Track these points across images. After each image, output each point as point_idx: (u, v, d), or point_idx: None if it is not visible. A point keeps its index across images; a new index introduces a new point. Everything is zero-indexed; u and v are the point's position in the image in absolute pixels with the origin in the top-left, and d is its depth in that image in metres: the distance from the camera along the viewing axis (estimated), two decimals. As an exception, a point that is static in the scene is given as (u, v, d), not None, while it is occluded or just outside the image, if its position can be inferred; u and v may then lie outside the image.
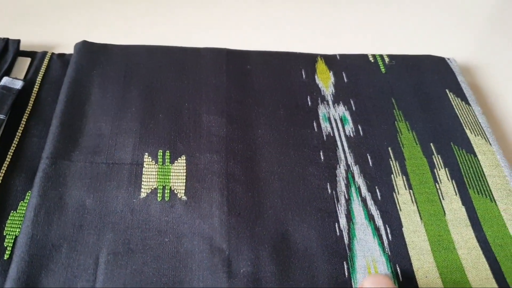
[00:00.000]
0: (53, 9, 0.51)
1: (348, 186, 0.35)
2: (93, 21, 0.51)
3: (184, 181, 0.34)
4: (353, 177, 0.36)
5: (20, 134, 0.37)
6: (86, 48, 0.42)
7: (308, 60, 0.44)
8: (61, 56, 0.44)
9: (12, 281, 0.28)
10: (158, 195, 0.33)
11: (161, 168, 0.35)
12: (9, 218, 0.33)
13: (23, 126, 0.38)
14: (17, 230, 0.32)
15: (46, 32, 0.48)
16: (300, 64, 0.43)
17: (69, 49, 0.45)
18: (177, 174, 0.34)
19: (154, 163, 0.35)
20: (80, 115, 0.37)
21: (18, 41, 0.44)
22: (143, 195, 0.33)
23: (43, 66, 0.43)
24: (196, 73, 0.42)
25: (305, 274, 0.31)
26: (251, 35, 0.50)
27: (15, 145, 0.37)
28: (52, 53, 0.44)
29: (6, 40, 0.44)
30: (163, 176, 0.34)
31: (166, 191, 0.34)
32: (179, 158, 0.35)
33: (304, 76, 0.42)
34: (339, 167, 0.36)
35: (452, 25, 0.53)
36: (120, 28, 0.50)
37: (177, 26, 0.50)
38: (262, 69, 0.43)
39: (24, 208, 0.33)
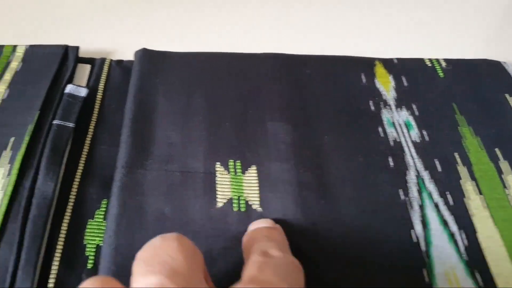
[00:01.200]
0: (104, 15, 0.51)
1: (420, 192, 0.35)
2: (144, 26, 0.51)
3: (258, 191, 0.34)
4: (423, 183, 0.36)
5: (89, 142, 0.38)
6: (147, 56, 0.43)
7: (366, 64, 0.44)
8: (120, 63, 0.44)
9: None
10: (234, 205, 0.34)
11: (234, 178, 0.35)
12: (87, 227, 0.33)
13: (91, 134, 0.38)
14: (97, 239, 0.33)
15: (98, 38, 0.49)
16: (358, 68, 0.44)
17: (124, 56, 0.45)
18: (250, 185, 0.35)
19: (226, 172, 0.35)
20: (149, 124, 0.38)
21: (77, 48, 0.44)
22: (219, 204, 0.33)
23: (103, 73, 0.43)
24: (256, 79, 0.42)
25: (385, 283, 0.31)
26: (298, 39, 0.49)
27: (85, 154, 0.37)
28: (111, 60, 0.44)
29: (66, 47, 0.44)
30: (237, 186, 0.34)
31: (241, 202, 0.34)
32: (250, 168, 0.35)
33: (364, 80, 0.42)
34: (409, 173, 0.36)
35: (500, 28, 0.53)
36: (170, 34, 0.50)
37: (229, 32, 0.50)
38: (321, 73, 0.43)
39: (101, 216, 0.34)
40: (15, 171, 0.35)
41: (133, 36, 0.49)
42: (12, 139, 0.37)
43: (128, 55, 0.46)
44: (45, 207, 0.33)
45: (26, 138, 0.36)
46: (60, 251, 0.32)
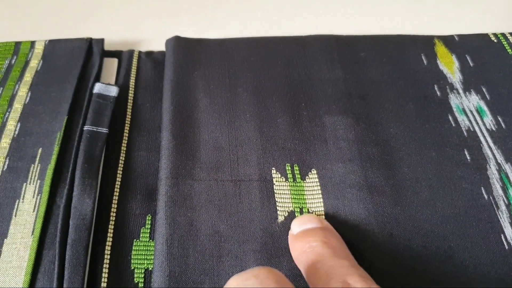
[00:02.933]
0: (126, 2, 0.45)
1: (505, 189, 0.30)
2: (171, 12, 0.46)
3: (321, 200, 0.30)
4: (507, 177, 0.31)
5: (125, 149, 0.33)
6: (181, 45, 0.38)
7: (426, 43, 0.39)
8: (149, 54, 0.39)
9: None
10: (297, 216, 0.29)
11: (293, 185, 0.30)
12: (133, 248, 0.29)
13: (126, 139, 0.34)
14: (145, 262, 0.28)
15: (121, 28, 0.44)
16: (418, 48, 0.38)
17: (153, 46, 0.41)
18: (312, 193, 0.30)
19: (284, 179, 0.31)
20: (192, 125, 0.33)
21: (102, 40, 0.39)
22: (280, 218, 0.29)
23: (133, 67, 0.38)
24: (305, 66, 0.37)
25: None
26: (342, 17, 0.44)
27: (122, 162, 0.32)
28: (140, 52, 0.39)
29: (90, 40, 0.39)
30: (297, 195, 0.30)
31: (305, 212, 0.29)
32: (310, 173, 0.31)
33: (425, 61, 0.37)
34: (490, 167, 0.32)
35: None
36: (198, 18, 0.45)
37: (261, 14, 0.45)
38: (378, 56, 0.38)
39: (147, 235, 0.29)
40: (46, 188, 0.30)
41: (160, 24, 0.44)
42: (39, 150, 0.32)
43: (157, 45, 0.41)
44: (84, 229, 0.28)
45: (56, 148, 0.32)
46: (105, 279, 0.27)
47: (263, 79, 0.36)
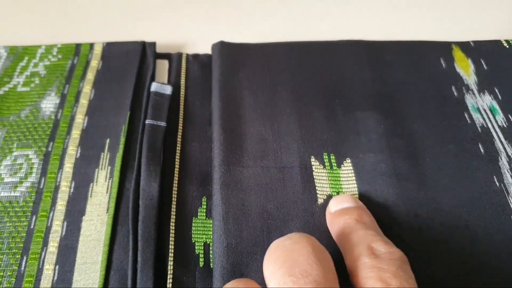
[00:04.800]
0: (171, 8, 0.52)
1: None
2: (211, 18, 0.51)
3: (355, 185, 0.35)
4: (517, 168, 0.36)
5: (180, 140, 0.38)
6: (225, 49, 0.43)
7: (444, 48, 0.44)
8: (196, 57, 0.44)
9: None
10: None
11: (330, 172, 0.35)
12: (193, 225, 0.34)
13: (181, 132, 0.39)
14: (204, 236, 0.33)
15: (167, 32, 0.49)
16: (437, 53, 0.43)
17: (197, 49, 0.45)
18: (347, 179, 0.35)
19: (322, 167, 0.36)
20: (238, 120, 0.38)
21: (154, 44, 0.44)
22: (320, 201, 0.34)
23: (182, 68, 0.43)
24: (338, 67, 0.42)
25: (492, 273, 0.32)
26: (369, 24, 0.50)
27: (179, 152, 0.37)
28: (187, 54, 0.44)
29: (143, 43, 0.44)
30: (334, 181, 0.35)
31: None
32: (345, 162, 0.36)
33: (444, 65, 0.42)
34: (501, 159, 0.37)
35: None
36: (238, 24, 0.51)
37: (300, 19, 0.51)
38: (402, 59, 0.43)
39: (203, 214, 0.34)
40: (117, 173, 0.35)
41: (202, 28, 0.49)
42: (107, 141, 0.37)
43: (200, 48, 0.46)
44: (152, 208, 0.33)
45: (122, 140, 0.37)
46: (172, 251, 0.32)
47: (299, 79, 0.41)
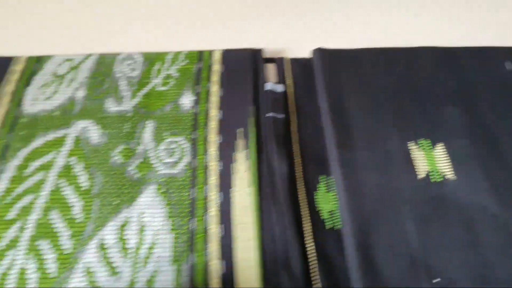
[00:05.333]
0: (265, 17, 0.62)
1: None
2: (301, 24, 0.61)
3: (449, 163, 0.44)
4: None
5: (296, 130, 0.48)
6: (324, 55, 0.52)
7: (510, 52, 0.53)
8: (296, 60, 0.54)
9: (352, 245, 0.40)
10: (431, 177, 0.44)
11: (427, 154, 0.45)
12: (315, 197, 0.43)
13: (295, 122, 0.48)
14: (326, 206, 0.43)
15: (262, 38, 0.59)
16: (503, 56, 0.53)
17: (294, 53, 0.55)
18: (441, 159, 0.44)
19: (419, 150, 0.45)
20: (344, 113, 0.48)
21: (261, 50, 0.54)
22: (420, 176, 0.43)
23: (286, 70, 0.53)
24: (421, 70, 0.51)
25: None
26: (439, 30, 0.59)
27: (297, 138, 0.47)
28: (289, 58, 0.54)
29: (253, 50, 0.54)
30: (430, 161, 0.44)
31: (437, 174, 0.44)
32: (437, 145, 0.45)
33: (508, 66, 0.52)
34: None
35: None
36: (323, 30, 0.60)
37: (380, 25, 0.60)
38: (473, 64, 0.52)
39: (323, 188, 0.44)
40: (252, 155, 0.45)
41: (296, 35, 0.60)
42: (239, 130, 0.47)
43: (296, 53, 0.56)
44: (285, 182, 0.43)
45: (252, 129, 0.47)
46: (307, 216, 0.42)
47: (390, 80, 0.51)
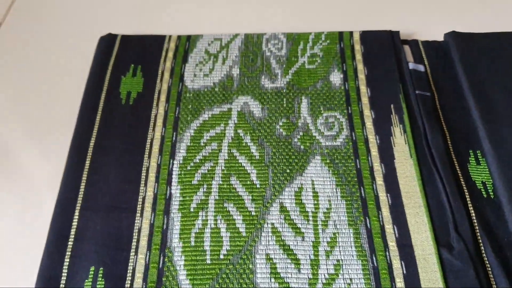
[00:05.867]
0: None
1: None
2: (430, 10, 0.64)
3: None
4: None
5: (439, 106, 0.51)
6: (460, 38, 0.56)
7: None
8: (428, 42, 0.57)
9: (510, 211, 0.42)
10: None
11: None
12: (469, 169, 0.47)
13: (437, 98, 0.52)
14: (479, 177, 0.47)
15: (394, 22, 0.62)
16: None
17: (423, 36, 0.59)
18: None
19: None
20: (484, 92, 0.51)
21: (399, 33, 0.57)
22: None
23: (422, 52, 0.56)
24: None
25: None
26: None
27: (441, 115, 0.51)
28: (422, 41, 0.57)
29: (390, 32, 0.57)
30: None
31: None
32: None
33: None
34: None
35: None
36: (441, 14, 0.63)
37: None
38: None
39: (474, 162, 0.48)
40: (408, 129, 0.49)
41: (415, 18, 0.63)
42: (392, 105, 0.51)
43: (426, 35, 0.59)
44: (443, 155, 0.47)
45: (403, 105, 0.50)
46: (464, 186, 0.46)
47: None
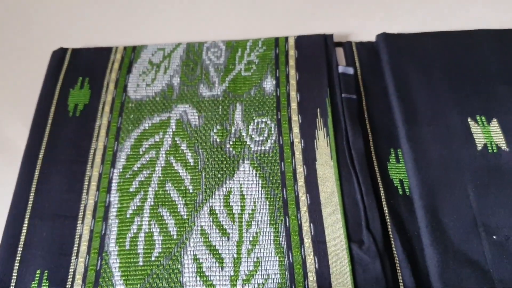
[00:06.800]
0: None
1: None
2: (361, 11, 0.67)
3: (502, 137, 0.51)
4: None
5: (365, 108, 0.55)
6: (389, 39, 0.59)
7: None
8: (361, 44, 0.60)
9: (421, 207, 0.48)
10: (489, 148, 0.51)
11: (484, 128, 0.52)
12: (388, 167, 0.51)
13: (364, 102, 0.56)
14: (397, 175, 0.51)
15: (327, 26, 0.65)
16: None
17: (358, 37, 0.62)
18: (496, 133, 0.52)
19: (476, 125, 0.52)
20: (409, 92, 0.54)
21: (332, 36, 0.61)
22: (479, 148, 0.51)
23: (354, 54, 0.60)
24: (476, 51, 0.57)
25: None
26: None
27: (366, 116, 0.54)
28: (355, 42, 0.61)
29: (324, 36, 0.61)
30: (487, 134, 0.51)
31: (493, 145, 0.51)
32: (492, 121, 0.52)
33: None
34: None
35: None
36: (378, 15, 0.66)
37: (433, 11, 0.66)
38: None
39: (394, 160, 0.52)
40: (331, 132, 0.53)
41: (358, 21, 0.65)
42: (318, 110, 0.55)
43: (361, 37, 0.62)
44: (362, 156, 0.51)
45: (329, 109, 0.54)
46: (380, 184, 0.50)
47: (450, 61, 0.57)
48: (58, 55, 0.60)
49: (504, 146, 0.50)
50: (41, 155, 0.52)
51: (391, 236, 0.46)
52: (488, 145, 0.50)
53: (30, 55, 0.62)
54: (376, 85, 0.56)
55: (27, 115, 0.56)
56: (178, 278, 0.44)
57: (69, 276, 0.45)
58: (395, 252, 0.45)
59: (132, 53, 0.59)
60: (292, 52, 0.58)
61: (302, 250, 0.45)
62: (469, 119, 0.51)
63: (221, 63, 0.58)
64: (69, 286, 0.44)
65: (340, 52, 0.60)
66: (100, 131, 0.53)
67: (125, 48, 0.60)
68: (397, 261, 0.44)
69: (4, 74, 0.61)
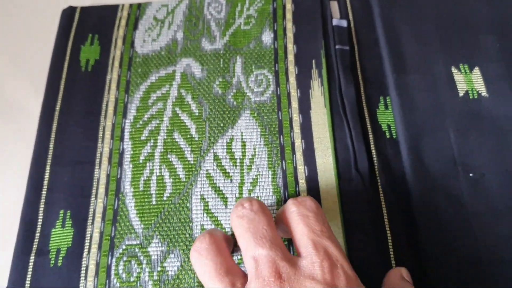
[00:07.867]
0: None
1: None
2: None
3: (483, 84, 0.56)
4: None
5: (357, 57, 0.59)
6: None
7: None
8: None
9: (406, 149, 0.52)
10: (469, 94, 0.55)
11: (466, 76, 0.56)
12: (377, 113, 0.56)
13: (357, 52, 0.60)
14: (385, 120, 0.56)
15: None
16: None
17: None
18: (477, 80, 0.56)
19: (459, 73, 0.57)
20: (399, 41, 0.58)
21: None
22: (460, 94, 0.55)
23: (347, 6, 0.63)
24: (461, 2, 0.61)
25: None
26: None
27: (359, 65, 0.59)
28: None
29: None
30: (469, 82, 0.56)
31: (474, 92, 0.56)
32: (474, 69, 0.57)
33: None
34: None
35: None
36: None
37: None
38: None
39: (383, 106, 0.56)
40: (325, 82, 0.57)
41: None
42: (313, 61, 0.59)
43: None
44: (353, 103, 0.55)
45: (323, 60, 0.59)
46: (369, 128, 0.55)
47: (438, 10, 0.61)
48: (68, 13, 0.64)
49: (484, 93, 0.54)
50: (57, 107, 0.57)
51: (377, 175, 0.51)
52: (469, 92, 0.54)
53: (42, 14, 0.65)
54: (368, 36, 0.60)
55: (38, 74, 0.60)
56: (188, 215, 0.50)
57: (89, 215, 0.51)
58: (380, 188, 0.50)
59: (137, 10, 0.63)
60: (289, 6, 0.62)
61: (297, 189, 0.50)
62: (452, 68, 0.56)
63: (221, 18, 0.62)
64: (90, 223, 0.50)
65: (334, 5, 0.63)
66: (111, 84, 0.58)
67: (131, 5, 0.64)
68: (382, 195, 0.50)
69: (16, 34, 0.65)
